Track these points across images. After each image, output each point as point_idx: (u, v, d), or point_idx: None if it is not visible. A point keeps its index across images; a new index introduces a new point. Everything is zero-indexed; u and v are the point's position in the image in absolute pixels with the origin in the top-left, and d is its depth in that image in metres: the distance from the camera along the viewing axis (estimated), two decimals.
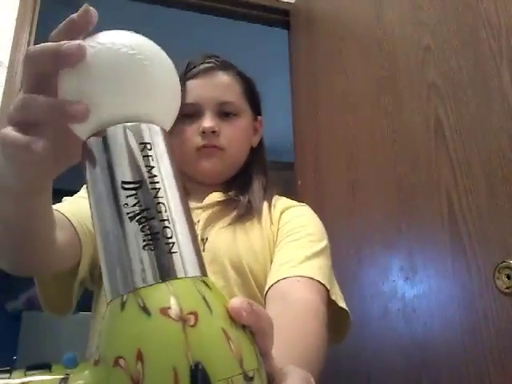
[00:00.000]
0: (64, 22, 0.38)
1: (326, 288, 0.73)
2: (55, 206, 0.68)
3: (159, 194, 0.32)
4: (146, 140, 0.33)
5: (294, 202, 0.89)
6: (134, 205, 0.31)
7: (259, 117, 0.93)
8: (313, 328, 0.64)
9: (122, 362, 0.27)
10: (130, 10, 2.38)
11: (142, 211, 0.31)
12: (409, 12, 1.25)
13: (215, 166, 0.83)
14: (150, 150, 0.33)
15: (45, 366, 0.30)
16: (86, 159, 0.34)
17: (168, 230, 0.31)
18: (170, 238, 0.31)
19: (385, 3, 1.36)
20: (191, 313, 0.28)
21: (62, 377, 0.29)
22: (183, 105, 0.89)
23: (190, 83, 0.84)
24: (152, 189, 0.32)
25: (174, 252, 0.30)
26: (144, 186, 0.32)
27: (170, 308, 0.28)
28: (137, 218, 0.31)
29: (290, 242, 0.78)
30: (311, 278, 0.71)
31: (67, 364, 0.30)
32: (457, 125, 1.04)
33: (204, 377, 0.26)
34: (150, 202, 0.31)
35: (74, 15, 0.38)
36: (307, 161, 1.74)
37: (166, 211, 0.31)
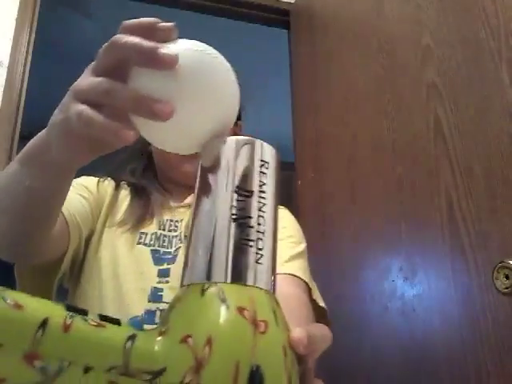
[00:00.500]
0: (146, 21, 0.38)
1: (309, 287, 0.76)
2: None
3: (263, 209, 0.35)
4: (266, 159, 0.37)
5: None
6: (240, 209, 0.34)
7: (239, 121, 0.93)
8: (310, 320, 0.68)
9: (190, 340, 0.29)
10: (130, 10, 2.38)
11: (244, 217, 0.34)
12: (409, 11, 1.25)
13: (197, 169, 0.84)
14: (267, 168, 0.37)
15: (115, 320, 0.31)
16: (204, 162, 0.37)
17: (261, 242, 0.34)
18: (261, 249, 0.33)
19: (385, 3, 1.36)
20: (263, 320, 0.30)
21: (131, 333, 0.30)
22: None
23: None
24: (259, 202, 0.35)
25: (260, 263, 0.33)
26: (253, 197, 0.35)
27: (246, 309, 0.30)
28: (239, 221, 0.34)
29: None
30: (297, 277, 0.75)
31: (135, 326, 0.31)
32: (456, 125, 1.04)
33: (261, 380, 0.28)
34: (254, 212, 0.34)
35: (160, 23, 0.37)
36: (307, 161, 1.74)
37: (263, 225, 0.34)
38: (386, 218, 1.26)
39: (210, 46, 0.39)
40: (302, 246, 0.84)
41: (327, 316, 0.79)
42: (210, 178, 0.36)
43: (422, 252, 1.13)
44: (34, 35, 1.66)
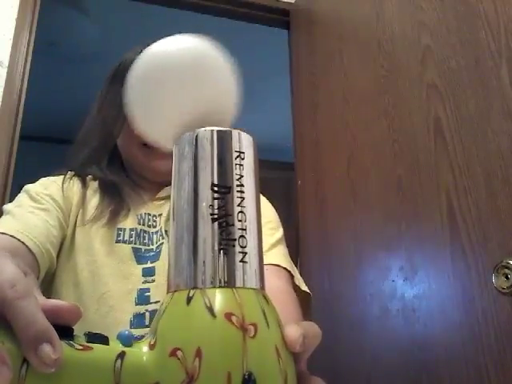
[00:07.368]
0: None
1: (291, 274, 0.76)
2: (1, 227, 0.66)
3: (243, 204, 0.33)
4: (242, 149, 0.35)
5: None
6: (219, 208, 0.32)
7: None
8: (297, 314, 0.67)
9: (179, 353, 0.28)
10: (130, 11, 2.38)
11: (224, 216, 0.32)
12: (409, 12, 1.25)
13: (169, 166, 0.83)
14: (243, 159, 0.34)
15: (102, 338, 0.30)
16: (177, 157, 0.36)
17: (244, 239, 0.32)
18: (244, 247, 0.32)
19: (385, 3, 1.36)
20: (252, 324, 0.29)
21: (119, 351, 0.30)
22: None
23: None
24: (238, 197, 0.33)
25: (245, 261, 0.32)
26: (232, 192, 0.33)
27: (234, 315, 0.29)
28: (219, 220, 0.32)
29: None
30: (278, 265, 0.74)
31: (123, 341, 0.31)
32: (456, 125, 1.04)
33: None
34: (234, 209, 0.33)
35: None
36: (307, 161, 1.74)
37: (245, 221, 0.33)
38: (385, 217, 1.26)
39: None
40: (281, 231, 0.82)
41: (310, 300, 0.79)
42: (186, 175, 0.34)
43: (422, 252, 1.13)
44: (34, 35, 1.66)
